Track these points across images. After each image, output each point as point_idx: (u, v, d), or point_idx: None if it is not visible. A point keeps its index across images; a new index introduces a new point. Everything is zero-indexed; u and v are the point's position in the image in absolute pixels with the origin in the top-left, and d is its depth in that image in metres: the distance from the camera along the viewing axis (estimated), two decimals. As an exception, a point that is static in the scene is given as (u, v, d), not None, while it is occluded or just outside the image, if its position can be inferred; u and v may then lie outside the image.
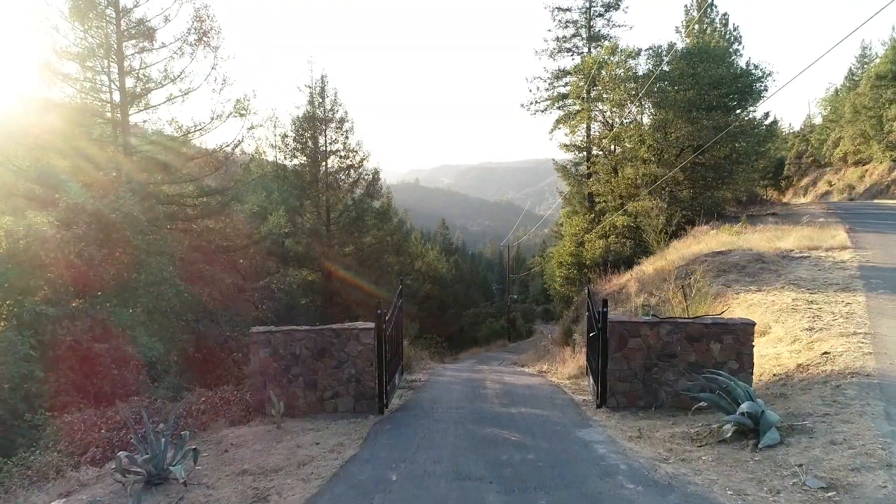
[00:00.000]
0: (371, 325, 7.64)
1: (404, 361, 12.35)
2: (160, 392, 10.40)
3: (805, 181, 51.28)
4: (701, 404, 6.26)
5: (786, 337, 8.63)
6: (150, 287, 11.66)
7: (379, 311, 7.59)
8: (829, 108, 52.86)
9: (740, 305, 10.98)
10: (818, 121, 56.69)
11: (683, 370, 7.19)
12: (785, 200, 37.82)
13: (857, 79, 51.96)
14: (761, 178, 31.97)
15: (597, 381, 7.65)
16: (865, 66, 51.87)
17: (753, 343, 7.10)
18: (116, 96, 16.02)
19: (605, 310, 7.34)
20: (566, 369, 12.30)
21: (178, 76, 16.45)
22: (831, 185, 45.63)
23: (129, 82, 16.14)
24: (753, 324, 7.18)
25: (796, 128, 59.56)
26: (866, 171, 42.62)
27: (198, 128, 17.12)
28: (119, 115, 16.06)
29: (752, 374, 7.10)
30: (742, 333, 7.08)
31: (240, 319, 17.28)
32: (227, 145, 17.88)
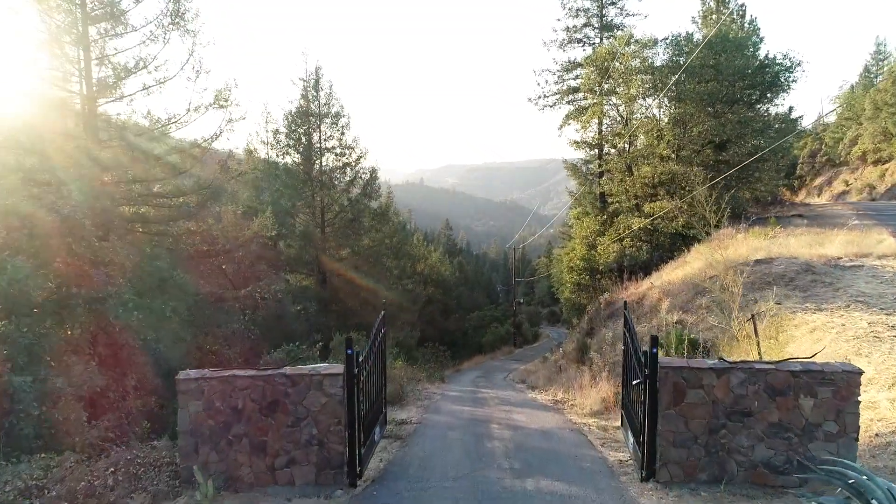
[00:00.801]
0: (339, 368, 5.67)
1: (396, 391, 10.50)
2: (95, 434, 8.58)
3: (819, 181, 49.45)
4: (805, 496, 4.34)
5: (878, 377, 6.72)
6: (93, 304, 9.80)
7: (350, 351, 5.60)
8: (845, 105, 50.84)
9: (799, 329, 9.06)
10: (832, 119, 54.71)
11: (762, 434, 5.29)
12: (801, 200, 36.07)
13: (872, 75, 50.12)
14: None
15: (641, 444, 5.72)
16: (881, 63, 50.02)
17: (859, 399, 5.19)
18: (83, 86, 14.26)
19: (654, 350, 5.44)
20: (587, 401, 10.41)
21: (152, 63, 14.71)
22: (848, 185, 43.79)
23: (98, 70, 14.40)
24: (860, 372, 5.23)
25: (809, 126, 57.44)
26: (886, 169, 40.78)
27: (173, 120, 15.33)
28: (86, 106, 14.30)
29: (857, 440, 5.19)
30: (844, 385, 5.14)
31: (220, 332, 15.56)
32: (206, 140, 16.15)
